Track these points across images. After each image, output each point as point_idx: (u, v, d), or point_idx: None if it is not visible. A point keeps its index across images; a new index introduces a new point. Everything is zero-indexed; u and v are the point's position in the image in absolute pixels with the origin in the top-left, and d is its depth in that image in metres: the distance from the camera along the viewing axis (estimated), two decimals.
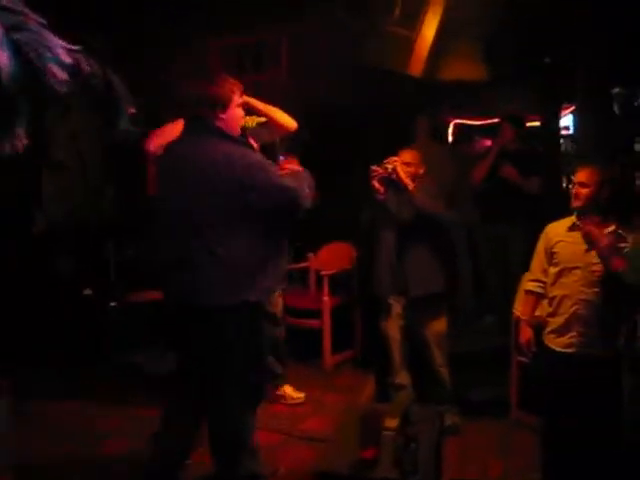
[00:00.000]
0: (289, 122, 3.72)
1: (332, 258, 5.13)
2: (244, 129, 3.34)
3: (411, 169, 4.04)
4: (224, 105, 2.81)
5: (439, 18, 4.14)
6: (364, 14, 4.28)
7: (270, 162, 2.86)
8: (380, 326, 4.16)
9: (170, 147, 2.95)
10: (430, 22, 4.20)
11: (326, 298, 4.71)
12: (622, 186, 4.18)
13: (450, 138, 7.58)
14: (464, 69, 4.94)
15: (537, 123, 5.65)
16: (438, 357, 4.12)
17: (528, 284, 3.54)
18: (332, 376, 4.67)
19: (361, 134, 5.19)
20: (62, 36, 1.42)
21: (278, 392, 4.14)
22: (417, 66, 4.39)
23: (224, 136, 2.80)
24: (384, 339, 4.15)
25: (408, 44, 4.31)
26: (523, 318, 3.52)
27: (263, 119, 3.79)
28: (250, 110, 3.67)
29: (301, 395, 4.18)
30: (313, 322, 4.75)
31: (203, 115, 2.82)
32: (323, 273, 4.80)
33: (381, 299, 4.13)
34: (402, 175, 3.97)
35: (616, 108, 6.83)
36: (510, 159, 5.17)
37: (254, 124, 3.87)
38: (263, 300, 2.91)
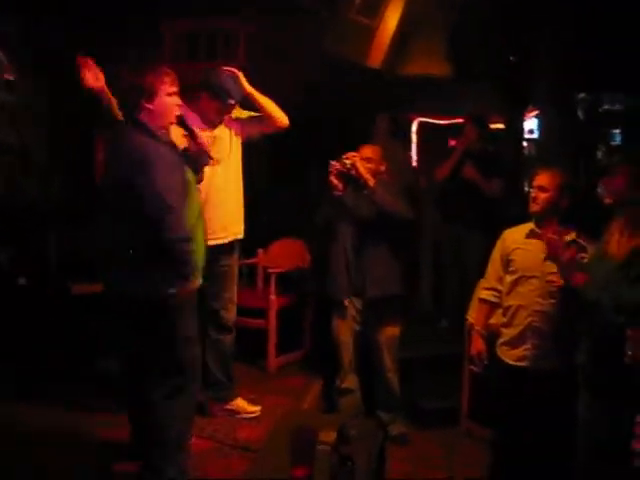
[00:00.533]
0: (283, 118, 3.76)
1: (283, 255, 4.92)
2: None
3: (372, 165, 3.89)
4: (150, 95, 2.84)
5: (402, 8, 3.94)
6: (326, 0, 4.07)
7: (174, 165, 2.85)
8: (331, 328, 4.02)
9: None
10: (392, 11, 4.01)
11: (273, 297, 4.49)
12: (584, 192, 4.04)
13: (414, 136, 7.46)
14: (427, 65, 4.80)
15: (501, 125, 5.53)
16: (388, 362, 3.99)
17: (482, 292, 3.37)
18: (275, 379, 4.46)
19: (318, 128, 4.98)
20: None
21: (230, 406, 3.86)
22: (377, 57, 4.21)
23: (141, 128, 2.83)
24: (334, 341, 4.02)
25: (368, 33, 4.12)
26: (476, 328, 3.35)
27: (254, 113, 3.80)
28: (245, 104, 3.75)
29: (256, 408, 3.88)
30: (258, 322, 4.52)
31: (133, 104, 2.88)
32: (270, 271, 4.59)
33: (335, 299, 3.99)
34: (362, 171, 3.82)
35: (580, 113, 6.77)
36: (473, 159, 5.03)
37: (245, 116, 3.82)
38: (182, 294, 2.86)
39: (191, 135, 3.14)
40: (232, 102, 3.67)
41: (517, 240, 3.20)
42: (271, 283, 4.50)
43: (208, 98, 3.66)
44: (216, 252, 3.59)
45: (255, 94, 3.72)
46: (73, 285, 5.08)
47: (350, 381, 4.06)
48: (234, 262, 3.85)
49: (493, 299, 3.31)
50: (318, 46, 4.19)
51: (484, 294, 3.35)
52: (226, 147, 3.73)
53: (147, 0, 5.21)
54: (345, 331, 3.99)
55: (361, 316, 3.97)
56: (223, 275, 3.77)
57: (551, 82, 3.94)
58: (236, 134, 3.79)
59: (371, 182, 3.81)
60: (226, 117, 3.74)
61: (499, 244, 3.31)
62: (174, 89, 2.92)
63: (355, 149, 3.92)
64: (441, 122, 7.00)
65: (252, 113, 3.83)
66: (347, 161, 3.82)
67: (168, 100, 2.88)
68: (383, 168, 3.99)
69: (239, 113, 3.82)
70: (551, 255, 2.90)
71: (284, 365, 4.63)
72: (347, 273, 3.92)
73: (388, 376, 4.02)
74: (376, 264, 3.88)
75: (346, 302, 3.94)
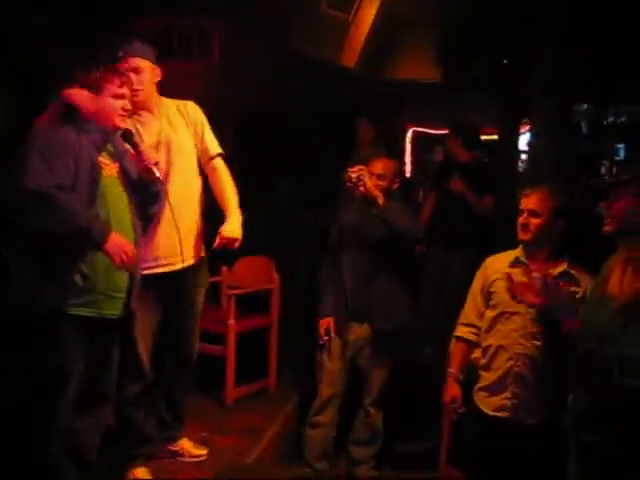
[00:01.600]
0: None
1: (249, 274, 4.46)
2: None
3: (384, 183, 3.52)
4: (93, 91, 2.62)
5: (378, 1, 3.53)
6: None
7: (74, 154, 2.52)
8: (317, 355, 3.72)
9: None
10: (368, 5, 3.58)
11: (232, 322, 4.02)
12: (581, 216, 3.58)
13: (408, 146, 7.15)
14: (415, 70, 4.40)
15: (495, 137, 5.10)
16: (375, 396, 3.71)
17: (459, 329, 2.91)
18: (232, 413, 3.98)
19: (291, 135, 4.56)
20: None
21: (174, 447, 3.40)
22: (351, 55, 3.78)
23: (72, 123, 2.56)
24: (318, 370, 3.73)
25: (342, 29, 3.69)
26: (450, 371, 2.89)
27: None
28: None
29: (202, 452, 3.43)
30: (215, 348, 4.06)
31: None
32: (229, 293, 4.12)
33: (336, 325, 3.67)
34: (369, 186, 3.42)
35: (584, 126, 6.35)
36: (462, 172, 4.59)
37: None
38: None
39: (135, 150, 2.75)
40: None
41: (499, 270, 2.75)
42: (230, 306, 4.04)
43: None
44: (168, 280, 3.11)
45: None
46: None
47: (325, 416, 3.74)
48: (192, 290, 3.26)
49: (471, 337, 2.86)
50: (288, 42, 3.75)
51: (460, 331, 2.90)
52: (180, 152, 3.13)
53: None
54: (333, 360, 3.69)
55: (354, 345, 3.66)
56: (178, 304, 3.21)
57: (548, 90, 3.50)
58: (191, 138, 3.20)
59: (380, 200, 3.42)
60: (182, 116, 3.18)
61: (480, 273, 2.86)
62: (122, 91, 2.67)
63: (337, 159, 3.55)
64: (437, 132, 6.67)
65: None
66: (352, 175, 3.41)
67: (110, 101, 2.63)
68: (396, 186, 3.63)
69: None
70: (519, 299, 2.47)
71: (244, 397, 4.17)
72: (345, 299, 3.63)
73: (371, 411, 3.73)
74: (384, 293, 3.58)
75: (332, 333, 3.66)
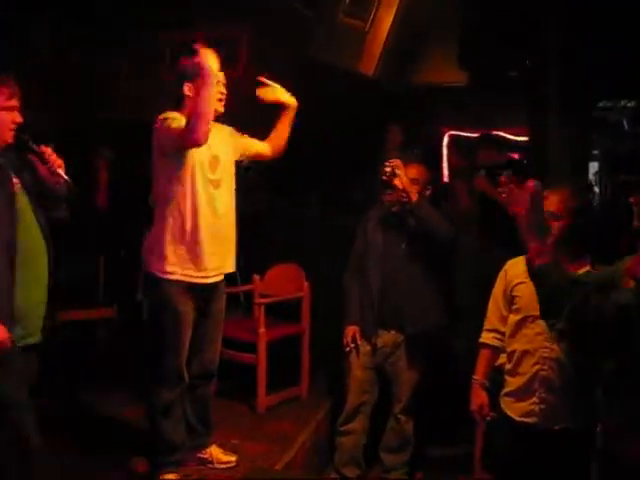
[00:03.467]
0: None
1: (280, 282, 4.49)
2: None
3: (417, 187, 3.56)
4: None
5: (395, 8, 3.52)
6: (315, 2, 3.68)
7: None
8: (345, 362, 3.77)
9: None
10: (385, 12, 3.59)
11: (262, 330, 4.05)
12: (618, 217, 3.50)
13: (445, 150, 7.06)
14: (439, 74, 4.37)
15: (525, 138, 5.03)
16: (405, 403, 3.72)
17: (483, 335, 2.87)
18: (264, 421, 4.00)
19: (319, 144, 4.58)
20: None
21: (203, 455, 3.42)
22: (370, 63, 3.77)
23: None
24: (347, 377, 3.78)
25: (359, 37, 3.69)
26: (475, 378, 2.85)
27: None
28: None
29: (232, 458, 3.45)
30: (247, 356, 4.09)
31: None
32: (258, 301, 4.15)
33: (363, 332, 3.71)
34: (404, 180, 3.47)
35: (625, 123, 6.20)
36: (489, 170, 4.56)
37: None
38: None
39: (41, 159, 2.61)
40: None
41: (521, 273, 2.69)
42: (260, 315, 4.07)
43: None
44: (205, 292, 3.18)
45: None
46: (61, 311, 4.82)
47: (355, 423, 3.77)
48: (222, 301, 3.33)
49: (495, 343, 2.83)
50: (308, 52, 3.78)
51: (484, 337, 2.86)
52: (227, 166, 3.20)
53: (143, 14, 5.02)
54: (359, 366, 3.73)
55: (382, 351, 3.68)
56: (209, 317, 3.27)
57: (567, 86, 3.44)
58: (234, 150, 3.30)
59: (414, 196, 3.47)
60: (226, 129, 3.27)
61: (501, 277, 2.82)
62: (12, 103, 2.57)
63: (365, 166, 3.56)
64: (474, 135, 6.59)
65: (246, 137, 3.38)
66: (387, 168, 3.45)
67: (3, 116, 2.54)
68: (428, 193, 3.67)
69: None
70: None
71: (276, 404, 4.18)
72: (372, 305, 3.65)
73: (401, 418, 3.73)
74: (414, 296, 3.60)
75: (359, 340, 3.69)
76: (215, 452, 3.43)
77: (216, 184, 3.10)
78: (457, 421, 3.85)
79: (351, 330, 3.70)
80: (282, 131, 3.39)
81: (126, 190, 5.18)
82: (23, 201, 2.60)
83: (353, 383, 3.75)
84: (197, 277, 3.09)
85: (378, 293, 3.65)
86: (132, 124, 4.45)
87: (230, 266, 3.25)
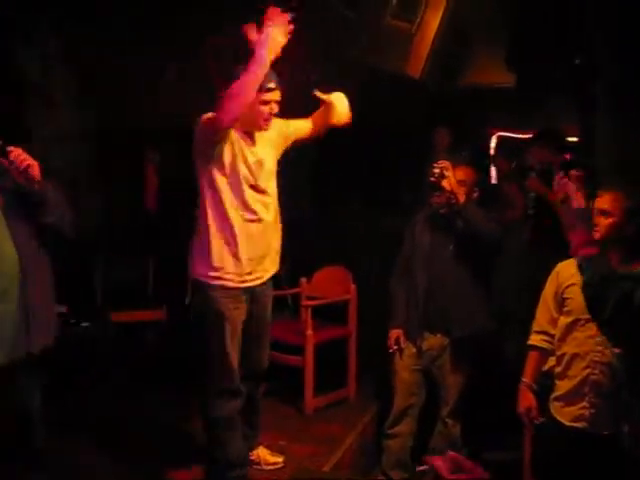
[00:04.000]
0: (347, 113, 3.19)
1: (326, 285, 4.50)
2: None
3: (465, 189, 3.56)
4: None
5: (442, 11, 3.50)
6: (360, 5, 3.67)
7: None
8: (391, 365, 3.77)
9: None
10: (432, 14, 3.56)
11: (310, 332, 4.07)
12: None
13: (493, 152, 6.99)
14: (486, 75, 4.33)
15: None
16: (452, 406, 3.69)
17: (532, 337, 2.84)
18: (311, 423, 4.02)
19: (365, 146, 4.58)
20: None
21: (250, 456, 3.37)
22: (417, 65, 3.75)
23: None
24: (392, 379, 3.78)
25: (407, 39, 3.67)
26: (524, 380, 2.82)
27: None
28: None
29: (279, 459, 3.46)
30: (294, 359, 4.11)
31: None
32: (305, 304, 4.17)
33: (409, 334, 3.71)
34: (452, 181, 3.46)
35: None
36: (541, 172, 4.50)
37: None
38: None
39: (7, 159, 2.41)
40: (272, 86, 2.98)
41: (573, 275, 2.66)
42: (307, 317, 4.09)
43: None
44: (250, 295, 3.15)
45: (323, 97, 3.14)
46: (112, 312, 4.94)
47: (402, 426, 3.76)
48: (268, 303, 3.30)
49: (544, 345, 2.78)
50: (352, 54, 3.77)
51: (533, 339, 2.82)
52: (271, 170, 3.14)
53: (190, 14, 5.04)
54: (406, 368, 3.72)
55: (428, 354, 3.66)
56: (256, 319, 3.22)
57: (617, 85, 3.36)
58: (284, 143, 3.22)
59: (462, 197, 3.46)
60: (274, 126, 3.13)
61: (552, 279, 2.77)
62: None
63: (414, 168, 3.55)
64: (523, 136, 6.52)
65: (286, 121, 3.24)
66: (435, 170, 3.45)
67: None
68: (475, 195, 3.64)
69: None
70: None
71: (323, 406, 4.20)
72: (419, 308, 3.64)
73: (448, 422, 3.71)
74: (461, 299, 3.57)
75: (402, 343, 3.69)
76: (262, 453, 3.44)
77: (260, 188, 3.06)
78: (507, 426, 3.84)
79: (395, 333, 3.70)
80: (318, 118, 3.27)
81: (174, 193, 5.25)
82: None
83: (400, 386, 3.75)
84: (241, 281, 3.06)
85: (424, 295, 3.64)
86: (179, 126, 4.49)
87: (274, 269, 3.22)
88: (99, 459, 3.48)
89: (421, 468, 3.66)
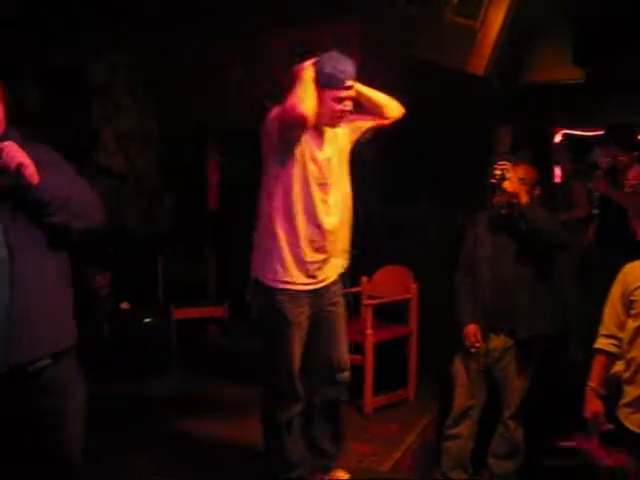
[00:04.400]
0: (396, 106, 3.07)
1: (387, 284, 4.48)
2: None
3: (525, 188, 3.49)
4: None
5: (507, 6, 3.43)
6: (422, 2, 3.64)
7: None
8: (452, 366, 3.74)
9: None
10: (496, 10, 3.50)
11: (370, 331, 4.07)
12: None
13: (557, 150, 6.86)
14: (552, 72, 4.23)
15: None
16: (515, 408, 3.63)
17: (599, 340, 2.76)
18: (370, 422, 4.01)
19: (426, 144, 4.54)
20: None
21: (326, 477, 3.18)
22: (480, 63, 3.68)
23: None
24: (454, 381, 3.74)
25: (470, 36, 3.62)
26: (590, 385, 2.74)
27: None
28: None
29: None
30: (354, 358, 4.10)
31: None
32: (366, 302, 4.17)
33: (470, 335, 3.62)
34: (514, 182, 3.42)
35: None
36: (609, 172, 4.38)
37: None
38: None
39: None
40: (349, 83, 2.87)
41: None
42: (367, 316, 4.09)
43: (327, 91, 2.87)
44: (317, 297, 3.02)
45: (360, 88, 3.00)
46: (174, 309, 5.05)
47: (462, 428, 3.72)
48: (338, 303, 3.11)
49: (612, 349, 2.70)
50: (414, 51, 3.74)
51: (600, 343, 2.74)
52: (340, 169, 3.03)
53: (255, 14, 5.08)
54: (464, 370, 3.69)
55: (491, 355, 3.62)
56: (326, 321, 3.07)
57: None
58: (347, 147, 3.09)
59: (524, 197, 3.40)
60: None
61: (619, 281, 2.69)
62: None
63: (472, 166, 3.51)
64: (590, 134, 6.37)
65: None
66: (497, 171, 3.41)
67: None
68: (537, 192, 3.58)
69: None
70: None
71: (383, 406, 4.19)
72: (483, 308, 3.58)
73: (510, 425, 3.64)
74: (526, 300, 3.51)
75: (479, 338, 3.60)
76: (340, 474, 3.23)
77: (327, 188, 2.94)
78: (573, 431, 3.75)
79: (472, 329, 3.60)
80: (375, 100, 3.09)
81: (237, 193, 5.32)
82: None
83: (460, 386, 3.71)
84: (306, 284, 2.95)
85: (488, 296, 3.58)
86: (244, 126, 4.50)
87: (341, 269, 3.10)
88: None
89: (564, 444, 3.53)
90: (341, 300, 3.14)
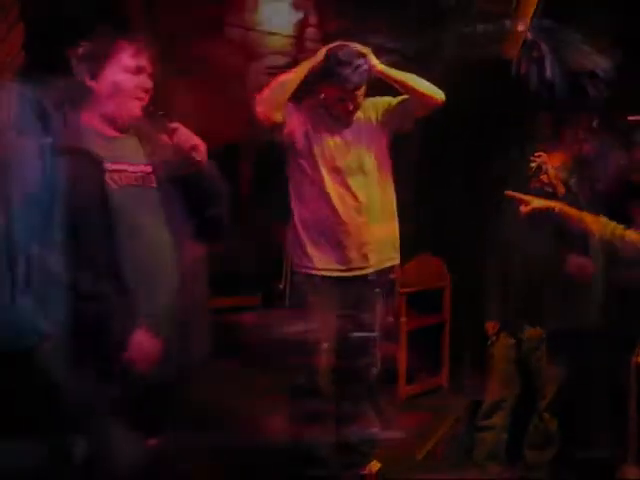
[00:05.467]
0: (435, 94, 2.94)
1: (421, 273, 4.47)
2: None
3: (561, 175, 3.48)
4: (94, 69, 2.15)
5: None
6: None
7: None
8: (487, 355, 3.70)
9: None
10: None
11: (403, 319, 4.08)
12: None
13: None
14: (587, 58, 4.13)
15: None
16: (548, 401, 3.58)
17: None
18: (403, 410, 4.03)
19: (463, 132, 4.49)
20: None
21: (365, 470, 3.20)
22: (514, 48, 3.64)
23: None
24: (488, 371, 3.71)
25: (503, 22, 3.58)
26: None
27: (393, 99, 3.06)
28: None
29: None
30: (387, 346, 4.12)
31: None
32: (400, 291, 4.16)
33: (507, 325, 3.62)
34: (551, 174, 3.40)
35: None
36: None
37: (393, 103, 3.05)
38: None
39: (168, 133, 2.09)
40: (349, 86, 2.86)
41: None
42: (401, 304, 4.09)
43: (326, 85, 2.94)
44: (352, 286, 3.02)
45: (390, 73, 2.92)
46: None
47: (495, 419, 3.68)
48: (375, 293, 3.10)
49: None
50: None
51: None
52: (361, 153, 2.99)
53: None
54: (501, 362, 3.63)
55: (526, 345, 3.58)
56: (361, 310, 3.06)
57: None
58: (373, 133, 3.03)
59: (561, 189, 3.38)
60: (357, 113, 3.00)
61: None
62: (139, 63, 2.08)
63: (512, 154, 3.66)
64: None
65: (391, 99, 3.07)
66: (533, 164, 3.40)
67: (121, 77, 2.05)
68: (573, 181, 3.52)
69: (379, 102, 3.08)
70: None
71: (416, 394, 4.19)
72: (516, 299, 3.56)
73: (545, 416, 3.60)
74: (560, 291, 3.48)
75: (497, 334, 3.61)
76: (375, 468, 3.24)
77: (350, 171, 2.93)
78: (610, 423, 3.71)
79: (491, 326, 3.64)
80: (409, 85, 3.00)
81: (269, 179, 5.31)
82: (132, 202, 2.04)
83: (494, 376, 3.69)
84: (340, 270, 2.97)
85: (522, 287, 3.55)
86: None
87: (378, 259, 3.06)
88: None
89: None
90: (378, 291, 3.12)
